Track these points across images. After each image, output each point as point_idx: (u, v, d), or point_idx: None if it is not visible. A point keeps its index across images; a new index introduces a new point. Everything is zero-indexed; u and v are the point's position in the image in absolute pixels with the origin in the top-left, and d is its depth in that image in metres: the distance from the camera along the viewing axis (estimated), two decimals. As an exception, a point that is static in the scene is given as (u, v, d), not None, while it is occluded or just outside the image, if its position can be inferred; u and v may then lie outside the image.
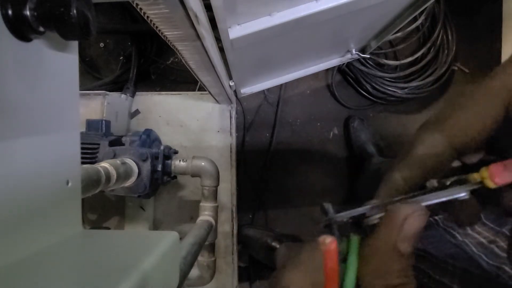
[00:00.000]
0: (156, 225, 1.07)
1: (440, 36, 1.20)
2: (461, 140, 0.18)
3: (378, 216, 0.20)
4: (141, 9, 0.37)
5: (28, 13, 0.18)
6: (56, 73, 0.23)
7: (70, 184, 0.24)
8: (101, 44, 1.25)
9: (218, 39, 0.57)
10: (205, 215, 0.82)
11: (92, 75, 1.22)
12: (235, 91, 0.95)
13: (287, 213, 1.19)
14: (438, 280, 0.40)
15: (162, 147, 0.83)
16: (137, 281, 0.18)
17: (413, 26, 1.14)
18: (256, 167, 1.21)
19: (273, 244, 1.06)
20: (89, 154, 0.79)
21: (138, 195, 0.77)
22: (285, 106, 1.23)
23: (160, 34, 0.47)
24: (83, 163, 0.64)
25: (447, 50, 1.20)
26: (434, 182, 0.20)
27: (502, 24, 1.23)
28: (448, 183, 0.20)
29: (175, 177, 0.88)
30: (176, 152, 0.89)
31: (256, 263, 1.16)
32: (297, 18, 0.56)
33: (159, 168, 0.80)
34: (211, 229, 0.78)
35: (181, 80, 1.23)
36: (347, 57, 1.05)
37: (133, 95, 1.10)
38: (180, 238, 0.41)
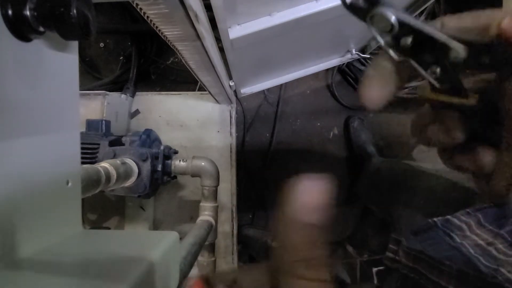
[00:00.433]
0: (156, 225, 1.07)
1: (440, 36, 1.19)
2: None
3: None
4: (141, 9, 0.37)
5: (28, 13, 0.18)
6: (56, 73, 0.23)
7: (70, 184, 0.24)
8: (101, 44, 1.25)
9: (218, 39, 0.57)
10: (205, 215, 0.82)
11: (92, 75, 1.22)
12: (235, 91, 0.95)
13: (287, 213, 1.18)
14: (435, 281, 0.40)
15: (162, 147, 0.83)
16: (137, 281, 0.18)
17: (413, 26, 1.14)
18: (256, 167, 1.21)
19: (273, 244, 1.06)
20: (89, 154, 0.79)
21: (138, 195, 0.77)
22: (285, 106, 1.23)
23: (160, 34, 0.47)
24: (83, 163, 0.64)
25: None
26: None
27: (502, 24, 1.23)
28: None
29: (175, 177, 0.88)
30: (176, 152, 0.89)
31: (256, 263, 1.17)
32: (297, 18, 0.56)
33: (159, 168, 0.80)
34: (211, 229, 0.78)
35: (181, 80, 1.23)
36: (347, 57, 1.05)
37: (133, 95, 1.10)
38: (180, 238, 0.41)
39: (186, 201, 1.08)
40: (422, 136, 0.20)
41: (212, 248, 0.85)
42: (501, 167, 0.18)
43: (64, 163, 0.24)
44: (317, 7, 0.56)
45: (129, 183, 0.72)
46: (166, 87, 1.23)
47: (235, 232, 1.06)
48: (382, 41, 0.19)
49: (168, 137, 1.07)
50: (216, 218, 0.84)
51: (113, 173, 0.62)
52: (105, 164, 0.61)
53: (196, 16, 0.40)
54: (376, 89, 0.19)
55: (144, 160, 0.74)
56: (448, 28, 0.18)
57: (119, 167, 0.65)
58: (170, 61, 1.24)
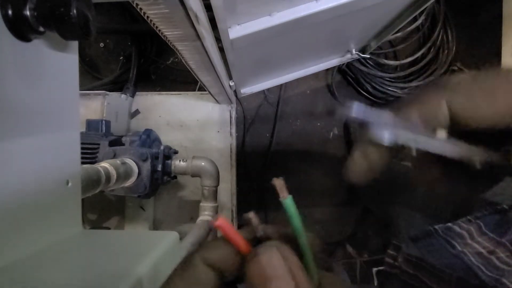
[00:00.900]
0: (156, 225, 1.07)
1: (440, 36, 1.20)
2: None
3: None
4: (141, 9, 0.37)
5: (28, 13, 0.18)
6: (56, 73, 0.23)
7: (70, 184, 0.24)
8: (101, 44, 1.25)
9: (218, 39, 0.57)
10: (205, 215, 0.82)
11: (92, 75, 1.22)
12: (235, 91, 0.95)
13: (287, 213, 1.18)
14: None
15: (162, 147, 0.83)
16: (137, 281, 0.18)
17: (413, 26, 1.14)
18: (256, 167, 1.21)
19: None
20: (89, 154, 0.79)
21: (138, 195, 0.77)
22: (285, 106, 1.23)
23: (160, 34, 0.47)
24: (83, 163, 0.64)
25: (447, 50, 1.20)
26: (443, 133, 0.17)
27: (502, 24, 1.23)
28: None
29: (175, 177, 0.88)
30: (176, 152, 0.89)
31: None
32: (297, 18, 0.56)
33: (159, 168, 0.80)
34: (211, 229, 0.78)
35: (181, 80, 1.22)
36: (347, 57, 1.05)
37: (133, 95, 1.10)
38: (180, 238, 0.41)
39: (186, 201, 1.08)
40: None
41: (212, 248, 0.85)
42: None
43: (64, 163, 0.24)
44: (317, 7, 0.56)
45: (129, 183, 0.72)
46: (166, 87, 1.23)
47: (235, 232, 1.05)
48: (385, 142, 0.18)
49: (168, 137, 1.07)
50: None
51: (113, 173, 0.62)
52: (105, 164, 0.61)
53: (196, 16, 0.40)
54: (362, 172, 0.20)
55: (144, 160, 0.74)
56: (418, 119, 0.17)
57: (119, 167, 0.65)
58: (170, 61, 1.24)
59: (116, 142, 0.84)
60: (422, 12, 1.12)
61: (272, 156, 1.21)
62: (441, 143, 0.17)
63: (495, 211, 0.27)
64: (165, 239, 0.23)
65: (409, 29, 1.14)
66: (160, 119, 1.10)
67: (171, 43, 0.50)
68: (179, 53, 0.56)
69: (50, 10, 0.18)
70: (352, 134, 1.20)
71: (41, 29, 0.19)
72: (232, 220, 1.06)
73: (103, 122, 0.90)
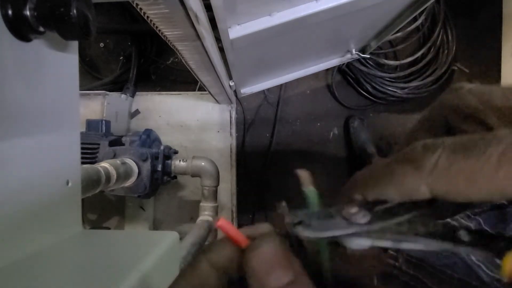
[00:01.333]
0: (156, 225, 1.07)
1: (440, 36, 1.20)
2: None
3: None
4: (141, 9, 0.37)
5: (28, 13, 0.18)
6: (56, 73, 0.23)
7: (70, 184, 0.24)
8: (101, 44, 1.25)
9: (218, 39, 0.57)
10: (205, 215, 0.82)
11: (92, 75, 1.22)
12: (235, 91, 0.95)
13: (287, 213, 1.18)
14: None
15: (162, 147, 0.83)
16: (137, 281, 0.18)
17: (413, 26, 1.14)
18: (256, 167, 1.21)
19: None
20: (89, 154, 0.79)
21: (138, 195, 0.77)
22: (285, 106, 1.23)
23: (160, 34, 0.47)
24: (83, 163, 0.64)
25: (447, 50, 1.20)
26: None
27: (502, 24, 1.23)
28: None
29: (175, 177, 0.88)
30: (176, 152, 0.89)
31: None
32: (297, 18, 0.56)
33: (159, 168, 0.80)
34: (211, 229, 0.78)
35: (181, 80, 1.22)
36: (347, 57, 1.05)
37: (133, 95, 1.10)
38: (180, 238, 0.41)
39: (186, 201, 1.08)
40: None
41: (212, 248, 0.85)
42: None
43: (64, 163, 0.24)
44: (317, 7, 0.56)
45: (129, 183, 0.72)
46: (166, 87, 1.23)
47: (235, 232, 1.05)
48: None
49: (168, 137, 1.07)
50: (216, 218, 0.84)
51: (113, 173, 0.62)
52: (105, 164, 0.61)
53: (196, 16, 0.40)
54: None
55: (144, 160, 0.74)
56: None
57: (119, 167, 0.65)
58: (170, 61, 1.24)
59: (116, 142, 0.84)
60: (422, 12, 1.12)
61: (272, 156, 1.21)
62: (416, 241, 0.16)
63: (494, 207, 0.27)
64: (165, 239, 0.23)
65: (409, 29, 1.14)
66: (160, 119, 1.10)
67: (171, 43, 0.50)
68: (179, 53, 0.56)
69: (50, 10, 0.18)
70: (352, 134, 1.20)
71: (41, 29, 0.19)
72: (232, 220, 1.06)
73: (103, 122, 0.90)
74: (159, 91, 1.20)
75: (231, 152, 1.09)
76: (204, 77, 0.72)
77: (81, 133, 0.87)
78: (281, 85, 1.19)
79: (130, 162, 0.72)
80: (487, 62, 1.24)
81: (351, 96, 1.24)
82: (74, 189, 0.25)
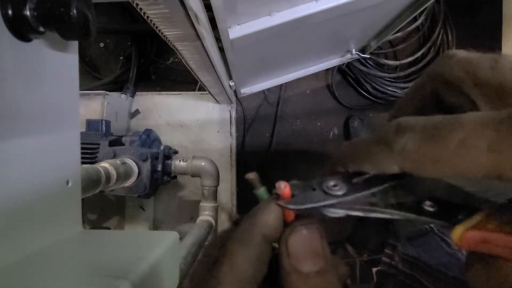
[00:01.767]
0: (156, 225, 1.07)
1: (440, 36, 1.20)
2: None
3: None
4: (141, 9, 0.37)
5: (28, 13, 0.18)
6: (56, 73, 0.23)
7: (70, 184, 0.24)
8: (101, 44, 1.25)
9: (218, 39, 0.57)
10: (205, 215, 0.82)
11: (92, 75, 1.22)
12: (235, 91, 0.95)
13: (287, 213, 1.18)
14: None
15: (162, 147, 0.83)
16: (137, 281, 0.18)
17: (413, 26, 1.14)
18: (256, 167, 1.21)
19: (273, 244, 1.06)
20: (89, 154, 0.79)
21: (138, 195, 0.77)
22: (285, 106, 1.23)
23: (160, 34, 0.47)
24: (83, 163, 0.64)
25: (447, 50, 1.20)
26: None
27: (502, 24, 1.23)
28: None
29: (175, 177, 0.88)
30: (176, 152, 0.89)
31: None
32: (297, 18, 0.56)
33: (159, 168, 0.80)
34: (211, 229, 0.78)
35: (181, 80, 1.22)
36: (347, 57, 1.05)
37: (133, 95, 1.10)
38: (180, 238, 0.42)
39: (186, 201, 1.08)
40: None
41: (212, 248, 0.85)
42: None
43: (64, 163, 0.24)
44: (317, 7, 0.56)
45: (129, 183, 0.72)
46: (166, 87, 1.23)
47: (235, 232, 1.05)
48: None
49: (168, 137, 1.07)
50: (216, 218, 0.84)
51: (113, 173, 0.62)
52: (105, 164, 0.61)
53: (196, 16, 0.40)
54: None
55: (144, 160, 0.74)
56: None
57: (119, 167, 0.65)
58: (170, 61, 1.24)
59: (116, 142, 0.84)
60: (422, 12, 1.12)
61: (272, 156, 1.21)
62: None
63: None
64: (165, 239, 0.23)
65: (409, 29, 1.14)
66: (160, 119, 1.10)
67: (171, 43, 0.50)
68: (179, 53, 0.56)
69: (50, 10, 0.18)
70: (352, 134, 1.20)
71: (41, 29, 0.19)
72: (232, 220, 1.06)
73: (103, 122, 0.90)
74: (159, 91, 1.20)
75: (231, 152, 1.09)
76: (204, 77, 0.72)
77: (81, 133, 0.87)
78: (281, 85, 1.19)
79: (130, 162, 0.72)
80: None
81: (351, 96, 1.24)
82: (74, 189, 0.25)
